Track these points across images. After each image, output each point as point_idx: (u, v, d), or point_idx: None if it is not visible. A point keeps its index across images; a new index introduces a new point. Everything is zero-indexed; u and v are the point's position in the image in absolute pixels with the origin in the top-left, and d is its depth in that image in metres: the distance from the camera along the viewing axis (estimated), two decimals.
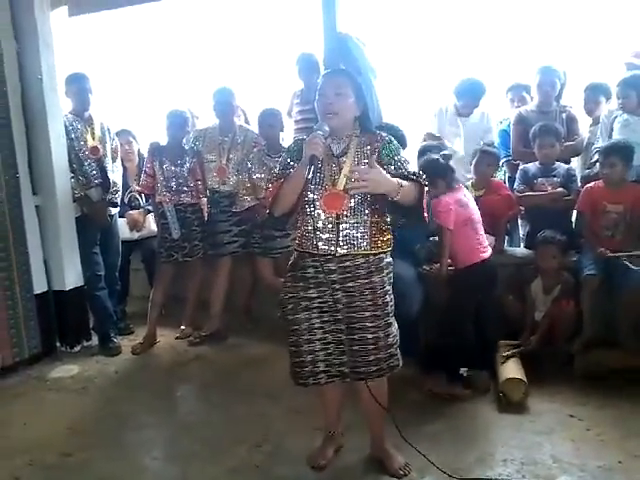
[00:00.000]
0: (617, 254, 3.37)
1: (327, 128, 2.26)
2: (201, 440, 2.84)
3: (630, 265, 3.32)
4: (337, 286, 2.32)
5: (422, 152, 3.58)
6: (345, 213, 2.28)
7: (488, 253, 3.26)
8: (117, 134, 4.42)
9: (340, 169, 2.30)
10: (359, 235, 2.30)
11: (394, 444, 2.53)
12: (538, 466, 2.49)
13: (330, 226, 2.29)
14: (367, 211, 2.31)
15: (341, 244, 2.29)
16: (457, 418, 2.94)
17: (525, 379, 3.05)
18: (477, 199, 3.78)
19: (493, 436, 2.75)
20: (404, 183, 2.22)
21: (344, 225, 2.29)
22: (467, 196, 3.30)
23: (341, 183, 2.28)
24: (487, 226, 3.75)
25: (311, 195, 2.31)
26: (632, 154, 3.47)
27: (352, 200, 2.28)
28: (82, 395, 3.45)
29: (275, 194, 2.33)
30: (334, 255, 2.30)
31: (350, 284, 2.32)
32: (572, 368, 3.29)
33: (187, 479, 2.56)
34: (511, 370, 3.14)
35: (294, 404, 3.05)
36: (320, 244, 2.29)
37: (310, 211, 2.31)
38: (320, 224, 2.30)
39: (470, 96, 4.32)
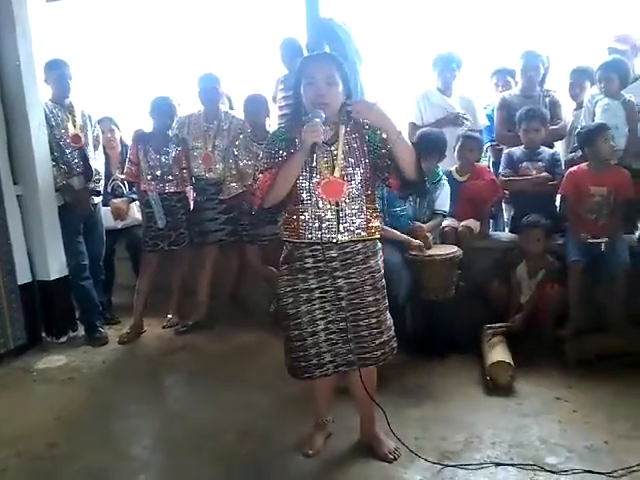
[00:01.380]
0: (596, 240, 3.39)
1: (323, 115, 2.22)
2: (189, 429, 2.83)
3: (603, 248, 3.36)
4: (338, 273, 2.32)
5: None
6: (344, 200, 2.27)
7: None
8: (99, 122, 4.36)
9: (332, 157, 2.28)
10: (358, 221, 2.31)
11: (383, 429, 2.53)
12: (526, 448, 2.52)
13: (330, 214, 2.28)
14: (363, 197, 2.31)
15: (342, 231, 2.29)
16: (445, 402, 2.96)
17: (512, 362, 3.07)
18: (461, 184, 3.80)
19: (481, 419, 2.77)
20: (402, 136, 2.22)
21: (343, 212, 2.28)
22: None
23: (337, 170, 2.27)
24: (471, 211, 3.79)
25: (306, 183, 2.28)
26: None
27: (350, 187, 2.27)
28: (69, 386, 3.43)
29: (269, 184, 2.28)
30: (335, 242, 2.29)
31: (351, 270, 2.32)
32: (560, 352, 3.32)
33: (175, 468, 2.56)
34: (498, 353, 3.16)
35: (282, 392, 3.05)
36: (320, 232, 2.28)
37: (307, 200, 2.29)
38: (319, 212, 2.28)
39: (447, 67, 4.31)
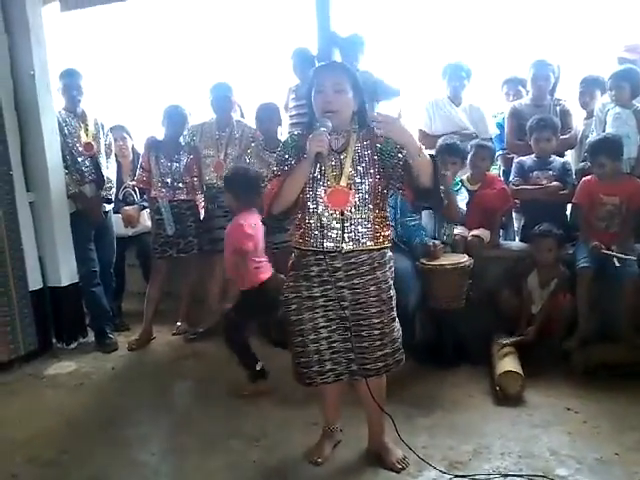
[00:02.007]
0: (609, 252, 3.37)
1: (330, 124, 2.23)
2: (198, 435, 2.84)
3: (617, 262, 3.33)
4: (342, 283, 2.32)
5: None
6: (350, 209, 2.27)
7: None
8: (111, 130, 4.40)
9: (341, 165, 2.29)
10: (364, 231, 2.29)
11: (392, 438, 2.53)
12: (535, 459, 2.50)
13: (335, 223, 2.28)
14: (370, 206, 2.30)
15: (346, 240, 2.28)
16: (454, 411, 2.95)
17: (522, 372, 3.05)
18: (472, 193, 3.80)
19: (490, 429, 2.76)
20: (423, 151, 2.19)
21: (349, 221, 2.28)
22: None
23: (344, 179, 2.27)
24: (482, 220, 3.78)
25: (313, 192, 2.28)
26: (620, 149, 3.48)
27: (357, 196, 2.27)
28: (79, 391, 3.44)
29: (276, 192, 2.29)
30: (340, 252, 2.29)
31: (355, 280, 2.31)
32: (568, 362, 3.30)
33: (184, 474, 2.56)
34: (508, 363, 3.14)
35: (292, 399, 3.05)
36: (325, 241, 2.28)
37: (313, 208, 2.29)
38: (324, 221, 2.28)
39: (456, 76, 4.34)
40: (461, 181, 3.83)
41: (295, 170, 2.28)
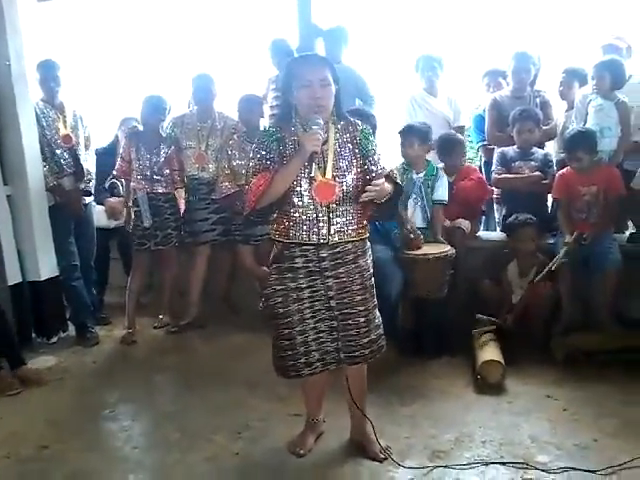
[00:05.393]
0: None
1: (321, 121, 2.22)
2: (180, 429, 2.83)
3: (586, 242, 3.39)
4: (328, 273, 2.33)
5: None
6: (336, 202, 2.27)
7: None
8: (123, 121, 4.43)
9: (324, 157, 2.28)
10: (348, 222, 2.32)
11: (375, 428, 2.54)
12: (516, 446, 2.53)
13: (321, 215, 2.28)
14: (353, 198, 2.32)
15: (332, 232, 2.29)
16: (435, 400, 2.97)
17: (502, 361, 3.08)
18: (451, 184, 3.81)
19: (471, 418, 2.78)
20: (389, 187, 2.30)
21: (334, 213, 2.29)
22: None
23: (329, 171, 2.26)
24: (460, 211, 3.80)
25: (297, 185, 2.27)
26: (595, 142, 3.52)
27: (342, 188, 2.27)
28: (59, 386, 3.41)
29: (263, 188, 2.25)
30: (326, 243, 2.29)
31: (341, 270, 2.33)
32: (548, 350, 3.34)
33: (166, 468, 2.55)
34: (488, 352, 3.17)
35: (274, 391, 3.05)
36: (311, 233, 2.28)
37: (297, 201, 2.28)
38: (310, 213, 2.27)
39: (428, 66, 4.38)
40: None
41: (287, 167, 2.25)
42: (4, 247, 3.81)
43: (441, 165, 3.88)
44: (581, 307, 3.52)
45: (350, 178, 2.30)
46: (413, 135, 3.59)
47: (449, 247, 3.41)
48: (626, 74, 3.75)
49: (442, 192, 3.60)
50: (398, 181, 2.43)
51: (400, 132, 3.66)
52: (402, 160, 3.65)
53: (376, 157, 2.36)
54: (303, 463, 2.51)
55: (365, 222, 2.40)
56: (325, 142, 2.29)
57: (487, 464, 2.41)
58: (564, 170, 3.64)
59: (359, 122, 2.42)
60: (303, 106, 2.27)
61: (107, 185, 4.46)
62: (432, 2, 5.66)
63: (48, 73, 3.91)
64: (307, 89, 2.25)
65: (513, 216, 3.66)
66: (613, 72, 3.68)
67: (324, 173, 2.25)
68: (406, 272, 3.33)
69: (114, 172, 4.25)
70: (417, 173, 3.59)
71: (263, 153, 2.31)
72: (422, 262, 3.30)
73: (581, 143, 3.50)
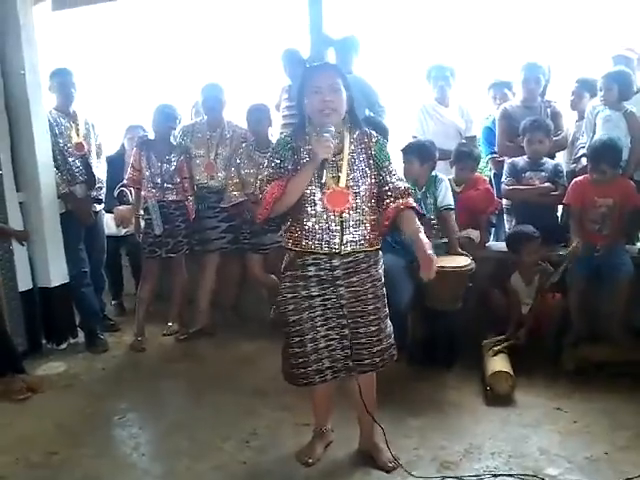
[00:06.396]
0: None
1: (332, 128, 2.23)
2: (188, 437, 2.83)
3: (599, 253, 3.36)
4: (340, 282, 2.34)
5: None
6: (348, 210, 2.28)
7: None
8: (129, 129, 4.43)
9: (337, 167, 2.29)
10: (361, 231, 2.32)
11: (383, 438, 2.52)
12: (525, 458, 2.51)
13: (334, 225, 2.28)
14: (366, 208, 2.32)
15: (344, 242, 2.30)
16: (445, 412, 2.96)
17: (512, 372, 3.06)
18: (457, 194, 3.80)
19: (481, 429, 2.77)
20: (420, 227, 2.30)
21: (347, 223, 2.29)
22: None
23: (342, 180, 2.27)
24: (468, 221, 3.78)
25: (310, 194, 2.28)
26: (620, 155, 3.47)
27: (355, 197, 2.28)
28: (68, 392, 3.42)
29: (276, 196, 2.27)
30: (338, 253, 2.30)
31: (354, 279, 2.34)
32: (559, 361, 3.32)
33: (174, 476, 2.55)
34: (498, 363, 3.15)
35: (282, 400, 3.04)
36: (324, 242, 2.29)
37: (310, 209, 2.29)
38: (323, 222, 2.28)
39: (440, 76, 4.41)
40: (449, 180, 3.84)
41: (299, 174, 2.27)
42: (15, 253, 3.83)
43: (452, 176, 3.88)
44: (591, 318, 3.49)
45: (364, 188, 2.31)
46: (412, 154, 3.56)
47: (469, 261, 3.31)
48: (634, 85, 3.75)
49: (446, 197, 3.55)
50: (414, 204, 2.38)
51: (402, 150, 3.63)
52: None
53: (391, 167, 2.37)
54: (311, 472, 2.50)
55: (378, 232, 2.39)
56: (340, 151, 2.31)
57: (496, 476, 2.39)
58: (580, 178, 3.59)
59: (374, 132, 2.43)
60: (314, 112, 2.30)
61: (116, 193, 4.49)
62: (443, 12, 5.67)
63: (66, 79, 3.95)
64: (317, 94, 2.28)
65: (515, 228, 3.64)
66: (621, 83, 3.66)
67: (338, 182, 2.26)
68: (420, 283, 3.30)
69: (125, 181, 4.28)
70: (420, 189, 3.56)
71: (277, 162, 2.33)
72: (439, 275, 3.24)
73: (606, 156, 3.42)
